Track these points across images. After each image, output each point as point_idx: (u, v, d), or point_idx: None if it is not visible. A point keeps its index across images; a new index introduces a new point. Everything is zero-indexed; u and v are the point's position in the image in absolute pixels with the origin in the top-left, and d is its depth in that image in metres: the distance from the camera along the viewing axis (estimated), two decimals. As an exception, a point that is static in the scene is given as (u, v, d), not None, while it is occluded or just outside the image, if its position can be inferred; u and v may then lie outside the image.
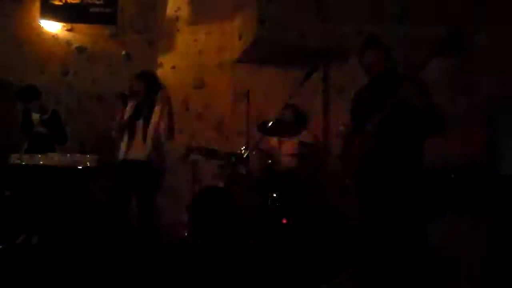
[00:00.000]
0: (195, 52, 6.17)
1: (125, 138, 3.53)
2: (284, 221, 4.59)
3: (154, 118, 3.59)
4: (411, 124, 2.73)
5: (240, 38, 5.64)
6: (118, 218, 3.56)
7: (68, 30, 6.02)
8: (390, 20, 5.03)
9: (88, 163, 4.14)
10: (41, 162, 4.20)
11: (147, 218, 3.59)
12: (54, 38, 5.99)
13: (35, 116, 4.83)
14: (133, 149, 3.42)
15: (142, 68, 6.27)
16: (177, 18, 6.34)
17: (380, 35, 2.96)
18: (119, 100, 3.59)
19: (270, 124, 3.97)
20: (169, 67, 6.29)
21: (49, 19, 5.91)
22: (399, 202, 2.73)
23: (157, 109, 3.64)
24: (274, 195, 4.63)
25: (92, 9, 5.95)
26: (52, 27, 5.96)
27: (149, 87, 3.63)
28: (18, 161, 4.21)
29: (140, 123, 3.59)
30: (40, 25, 5.90)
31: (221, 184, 4.66)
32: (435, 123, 2.76)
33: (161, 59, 6.37)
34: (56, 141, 4.80)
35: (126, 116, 3.66)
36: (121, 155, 3.44)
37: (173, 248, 4.32)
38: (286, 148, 4.87)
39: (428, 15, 4.86)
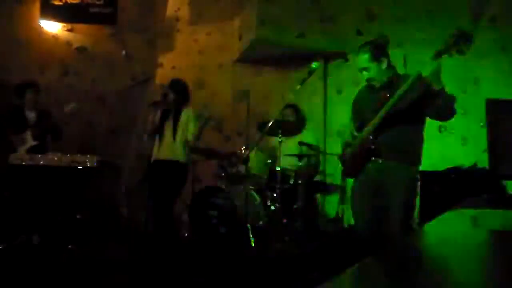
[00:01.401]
0: (195, 52, 6.16)
1: (156, 141, 3.68)
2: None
3: (183, 119, 3.74)
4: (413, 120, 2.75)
5: (240, 38, 5.64)
6: (157, 217, 3.66)
7: (68, 30, 6.03)
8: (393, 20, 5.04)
9: (88, 163, 4.15)
10: (41, 162, 4.20)
11: (167, 216, 3.67)
12: (54, 38, 5.99)
13: (30, 115, 4.63)
14: (163, 149, 3.56)
15: (142, 68, 6.32)
16: (177, 18, 6.34)
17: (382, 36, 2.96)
18: (152, 108, 3.75)
19: (270, 124, 3.96)
20: (169, 67, 6.29)
21: (49, 19, 5.91)
22: (399, 200, 2.73)
23: (184, 113, 3.77)
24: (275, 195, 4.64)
25: (92, 9, 5.96)
26: (52, 27, 5.96)
27: (180, 95, 3.80)
28: (18, 161, 4.20)
29: (170, 124, 3.73)
30: (40, 25, 5.90)
31: (221, 184, 4.66)
32: (446, 106, 2.74)
33: (161, 59, 6.37)
34: (52, 139, 4.72)
35: (157, 121, 3.79)
36: (153, 156, 3.58)
37: (174, 247, 4.31)
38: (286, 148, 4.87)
39: (430, 14, 4.86)
